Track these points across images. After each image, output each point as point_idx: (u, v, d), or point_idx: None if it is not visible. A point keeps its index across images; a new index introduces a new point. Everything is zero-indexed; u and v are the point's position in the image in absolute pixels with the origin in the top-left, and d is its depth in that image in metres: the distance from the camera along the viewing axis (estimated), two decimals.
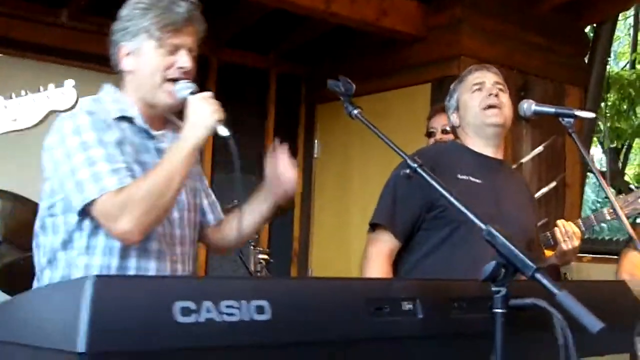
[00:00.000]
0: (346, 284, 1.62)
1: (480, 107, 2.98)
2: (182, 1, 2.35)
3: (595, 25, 6.53)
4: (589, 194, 13.44)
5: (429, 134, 3.96)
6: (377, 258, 2.86)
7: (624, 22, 9.45)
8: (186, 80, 2.31)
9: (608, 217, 3.60)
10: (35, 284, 2.33)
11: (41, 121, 1.92)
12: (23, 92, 1.93)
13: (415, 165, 1.95)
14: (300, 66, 6.46)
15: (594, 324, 1.47)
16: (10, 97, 1.92)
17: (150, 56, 2.33)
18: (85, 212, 2.17)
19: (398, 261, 2.90)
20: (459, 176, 2.88)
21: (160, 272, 2.27)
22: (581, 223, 3.48)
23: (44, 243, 2.30)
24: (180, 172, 2.18)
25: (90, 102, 2.31)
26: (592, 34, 6.60)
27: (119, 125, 2.30)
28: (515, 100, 5.34)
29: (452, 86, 3.14)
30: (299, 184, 6.38)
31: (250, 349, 1.40)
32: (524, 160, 5.46)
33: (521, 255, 1.62)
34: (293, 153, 6.68)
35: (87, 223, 2.21)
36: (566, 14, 5.82)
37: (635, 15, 9.58)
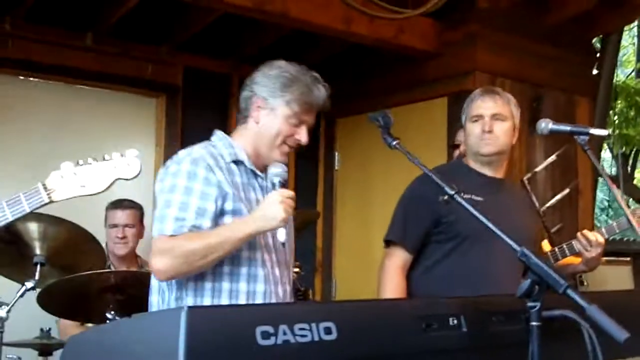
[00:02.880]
0: (399, 305, 1.84)
1: (476, 137, 3.23)
2: (321, 84, 2.70)
3: (602, 36, 6.69)
4: (597, 192, 13.62)
5: (454, 146, 4.01)
6: (392, 271, 3.19)
7: (629, 32, 9.67)
8: (284, 166, 2.62)
9: (628, 225, 3.74)
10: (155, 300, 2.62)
11: (107, 188, 2.09)
12: (90, 160, 2.11)
13: (453, 192, 2.16)
14: None
15: (620, 334, 1.68)
16: (79, 164, 2.09)
17: (281, 121, 2.63)
18: None
19: (411, 267, 3.23)
20: (463, 195, 3.09)
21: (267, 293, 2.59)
22: (604, 231, 3.62)
23: None
24: (229, 246, 2.44)
25: (201, 149, 2.61)
26: (599, 45, 6.76)
27: (230, 166, 2.60)
28: (529, 111, 5.58)
29: (464, 105, 3.35)
30: (320, 195, 6.58)
31: None
32: (537, 169, 5.61)
33: (552, 273, 1.83)
34: (314, 165, 6.89)
35: None
36: (575, 26, 5.95)
37: (639, 26, 9.82)
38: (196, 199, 2.46)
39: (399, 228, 3.27)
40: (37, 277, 3.58)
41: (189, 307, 1.47)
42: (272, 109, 2.64)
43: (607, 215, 14.26)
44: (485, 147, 3.22)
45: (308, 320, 1.59)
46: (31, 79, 5.45)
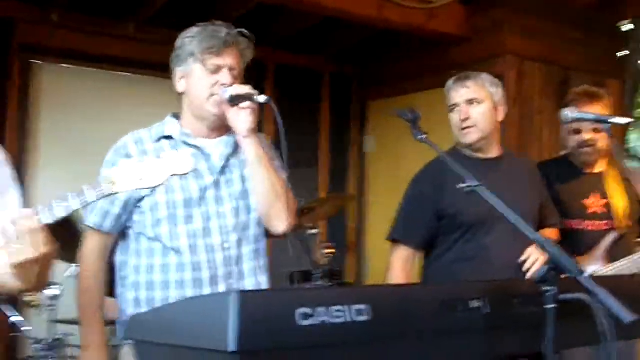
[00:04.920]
0: (425, 289, 2.01)
1: (456, 127, 3.35)
2: (223, 28, 2.69)
3: (631, 18, 6.73)
4: None
5: (575, 131, 3.69)
6: (397, 267, 3.32)
7: None
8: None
9: None
10: None
11: (163, 183, 2.27)
12: (146, 158, 2.29)
13: (476, 184, 2.33)
14: (351, 66, 6.75)
15: (627, 316, 1.84)
16: (139, 159, 2.27)
17: (198, 77, 2.68)
18: None
19: (426, 254, 3.40)
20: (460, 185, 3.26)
21: None
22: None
23: None
24: None
25: (129, 136, 2.79)
26: (627, 28, 6.80)
27: (159, 145, 2.73)
28: (557, 93, 5.66)
29: None
30: (352, 178, 6.74)
31: (354, 345, 1.77)
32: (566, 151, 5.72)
33: (567, 260, 1.99)
34: (345, 148, 7.04)
35: None
36: (603, 9, 6.03)
37: None
38: (103, 201, 2.53)
39: (401, 226, 3.41)
40: None
41: (240, 292, 1.65)
42: (188, 73, 2.69)
43: None
44: (466, 136, 3.33)
45: (343, 302, 1.76)
46: (75, 66, 5.65)
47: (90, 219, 2.72)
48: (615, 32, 6.40)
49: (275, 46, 6.20)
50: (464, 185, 2.37)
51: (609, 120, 3.15)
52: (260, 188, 2.71)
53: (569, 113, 3.24)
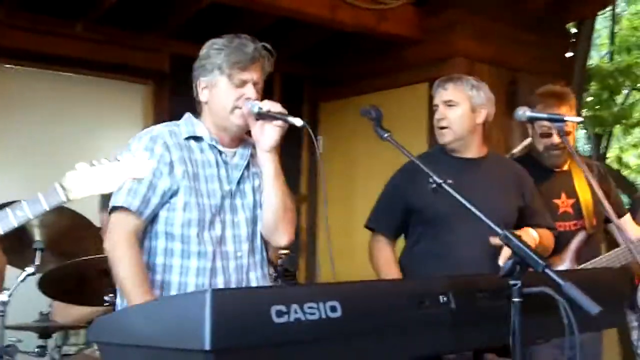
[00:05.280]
0: (395, 285, 2.04)
1: (435, 127, 3.50)
2: (249, 42, 2.78)
3: (578, 21, 6.87)
4: None
5: (544, 135, 3.68)
6: (375, 252, 3.52)
7: (603, 15, 9.90)
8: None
9: None
10: None
11: (120, 187, 2.24)
12: (103, 161, 2.26)
13: (441, 181, 2.35)
14: (303, 67, 6.72)
15: (593, 307, 1.88)
16: (93, 165, 2.24)
17: (223, 90, 2.75)
18: None
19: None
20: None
21: None
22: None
23: None
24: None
25: (162, 127, 2.80)
26: (575, 30, 6.95)
27: (189, 143, 2.76)
28: (506, 94, 5.74)
29: None
30: (304, 179, 6.72)
31: (327, 341, 1.78)
32: (515, 150, 5.79)
33: (532, 254, 2.03)
34: (297, 149, 7.01)
35: None
36: (552, 12, 6.11)
37: (613, 10, 10.07)
38: (144, 187, 2.62)
39: (375, 216, 3.60)
40: (37, 262, 3.69)
41: (213, 290, 1.65)
42: (213, 84, 2.77)
43: None
44: (441, 137, 3.47)
45: (316, 299, 1.77)
46: (22, 67, 5.52)
47: (131, 202, 2.62)
48: (563, 34, 6.53)
49: None
50: (431, 181, 2.40)
51: (565, 119, 3.20)
52: (273, 201, 2.80)
53: (522, 113, 3.28)
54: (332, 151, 6.53)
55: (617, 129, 10.72)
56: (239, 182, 2.81)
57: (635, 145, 12.32)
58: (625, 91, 10.59)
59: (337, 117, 6.38)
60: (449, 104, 3.43)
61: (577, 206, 3.66)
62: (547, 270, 1.99)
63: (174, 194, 2.65)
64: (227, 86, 2.75)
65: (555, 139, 3.61)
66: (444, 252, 3.30)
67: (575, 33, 6.80)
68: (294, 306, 1.73)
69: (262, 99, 2.75)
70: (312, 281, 6.48)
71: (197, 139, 2.79)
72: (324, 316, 1.77)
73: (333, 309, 1.79)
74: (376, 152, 5.50)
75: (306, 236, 6.69)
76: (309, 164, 6.73)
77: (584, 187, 3.67)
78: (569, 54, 6.57)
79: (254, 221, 2.82)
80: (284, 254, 4.68)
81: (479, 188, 3.23)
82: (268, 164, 2.79)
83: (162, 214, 2.67)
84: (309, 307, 1.75)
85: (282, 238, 2.84)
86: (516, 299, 2.01)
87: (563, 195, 3.67)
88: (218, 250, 2.69)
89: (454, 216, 3.12)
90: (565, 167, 3.76)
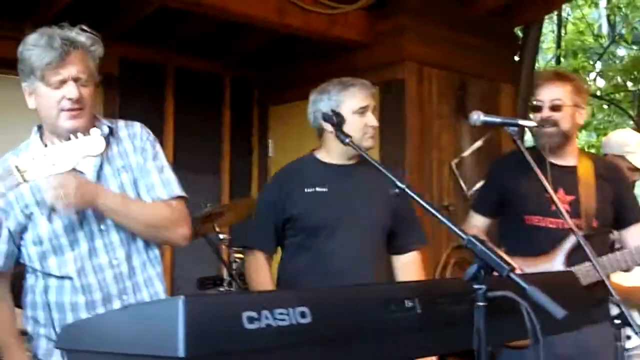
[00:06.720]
0: (363, 289, 2.04)
1: (362, 132, 3.28)
2: (56, 35, 2.52)
3: (524, 26, 6.99)
4: None
5: (535, 109, 3.56)
6: (253, 272, 3.37)
7: (550, 20, 10.09)
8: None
9: None
10: None
11: (76, 165, 2.21)
12: (56, 141, 2.22)
13: (403, 185, 2.36)
14: (252, 71, 6.74)
15: (558, 311, 1.91)
16: (46, 146, 2.20)
17: (44, 95, 2.53)
18: None
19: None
20: (306, 190, 3.31)
21: None
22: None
23: None
24: None
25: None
26: (521, 34, 7.07)
27: None
28: (454, 98, 5.82)
29: (329, 88, 3.48)
30: (255, 183, 6.70)
31: (298, 346, 1.78)
32: (464, 154, 5.89)
33: (496, 259, 2.05)
34: (248, 153, 6.99)
35: None
36: (499, 17, 6.25)
37: (559, 15, 10.27)
38: None
39: (252, 234, 3.47)
40: None
41: (186, 297, 1.64)
42: (33, 91, 2.54)
43: None
44: (370, 144, 3.36)
45: (286, 305, 1.77)
46: None
47: None
48: (511, 39, 6.64)
49: (176, 50, 6.15)
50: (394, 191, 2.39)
51: (519, 123, 3.23)
52: (134, 229, 2.64)
53: (477, 117, 3.29)
54: (282, 155, 6.54)
55: None
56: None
57: (582, 149, 12.56)
58: None
59: (287, 121, 6.38)
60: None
61: (573, 205, 3.46)
62: (511, 275, 2.01)
63: (22, 231, 2.61)
64: (46, 91, 2.51)
65: (545, 112, 3.49)
66: (327, 261, 3.24)
67: (522, 37, 6.91)
68: (265, 312, 1.72)
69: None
70: None
71: None
72: (294, 322, 1.76)
73: (303, 314, 1.79)
74: None
75: None
76: (259, 167, 6.71)
77: (588, 186, 3.51)
78: (516, 58, 6.68)
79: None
80: (239, 258, 4.65)
81: (356, 196, 3.29)
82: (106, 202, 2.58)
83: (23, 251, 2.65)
84: (280, 313, 1.75)
85: (176, 243, 2.76)
86: (480, 303, 2.03)
87: (561, 191, 3.45)
88: (89, 265, 2.59)
89: (335, 222, 3.17)
90: (572, 162, 3.58)
